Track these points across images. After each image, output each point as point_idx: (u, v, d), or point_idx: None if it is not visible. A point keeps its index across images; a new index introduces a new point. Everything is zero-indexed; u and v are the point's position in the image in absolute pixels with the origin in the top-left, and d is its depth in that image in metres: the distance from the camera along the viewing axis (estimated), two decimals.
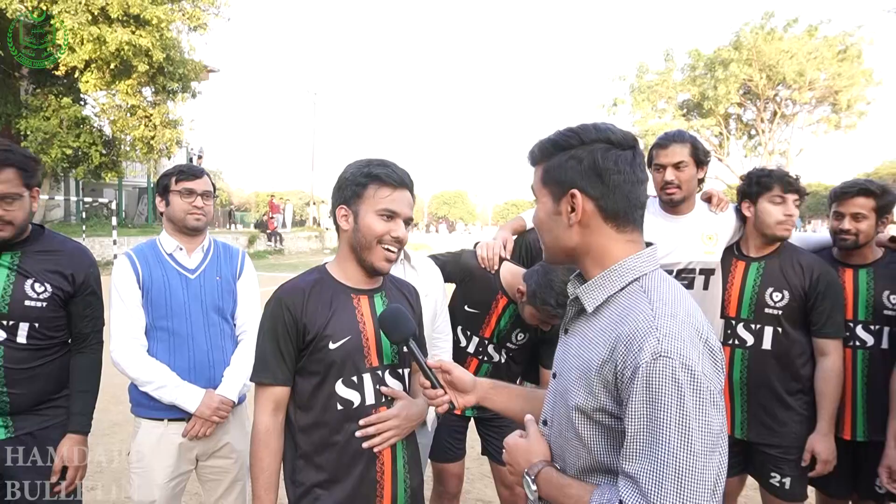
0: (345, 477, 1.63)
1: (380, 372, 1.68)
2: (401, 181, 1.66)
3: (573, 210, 1.17)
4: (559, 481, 1.18)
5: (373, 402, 1.66)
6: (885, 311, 2.42)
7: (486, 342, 2.58)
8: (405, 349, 1.64)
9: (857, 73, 27.19)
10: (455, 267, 2.60)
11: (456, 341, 2.59)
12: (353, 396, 1.64)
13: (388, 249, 1.65)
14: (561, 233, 1.21)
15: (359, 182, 1.65)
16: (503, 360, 2.61)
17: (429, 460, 2.67)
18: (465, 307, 2.57)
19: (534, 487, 1.21)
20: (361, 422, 1.63)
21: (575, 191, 1.16)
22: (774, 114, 29.89)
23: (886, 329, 2.43)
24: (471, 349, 2.59)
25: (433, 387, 1.54)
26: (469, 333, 2.59)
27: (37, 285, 2.07)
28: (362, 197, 1.64)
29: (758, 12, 28.86)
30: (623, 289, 1.17)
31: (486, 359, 2.60)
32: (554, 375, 1.29)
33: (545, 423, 1.30)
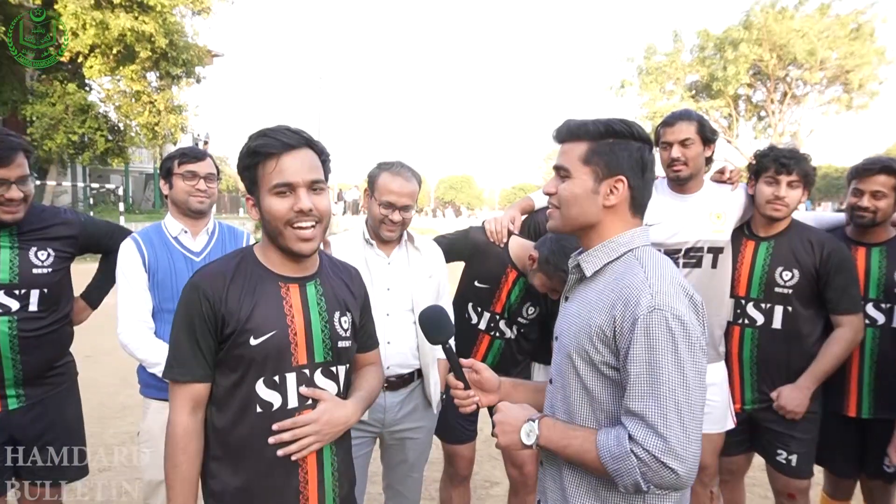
0: (262, 486, 1.47)
1: (307, 371, 1.50)
2: (284, 144, 1.41)
3: (611, 193, 1.31)
4: (563, 425, 1.33)
5: (296, 404, 1.48)
6: None
7: (498, 317, 2.58)
8: (443, 349, 1.55)
9: (869, 52, 26.74)
10: (464, 243, 2.62)
11: (467, 319, 2.60)
12: (274, 398, 1.46)
13: (300, 227, 1.43)
14: (591, 210, 1.33)
15: (247, 165, 1.44)
16: (514, 337, 2.61)
17: (437, 441, 2.68)
18: (476, 283, 2.58)
19: (537, 432, 1.33)
20: (275, 426, 1.45)
21: (623, 177, 1.31)
22: (785, 94, 29.50)
23: None
24: (482, 326, 2.60)
25: (465, 388, 1.53)
26: (480, 310, 2.59)
27: (40, 253, 2.20)
28: (256, 181, 1.44)
29: None
30: (619, 258, 1.33)
31: (497, 335, 2.60)
32: (556, 338, 1.43)
33: (551, 381, 1.45)
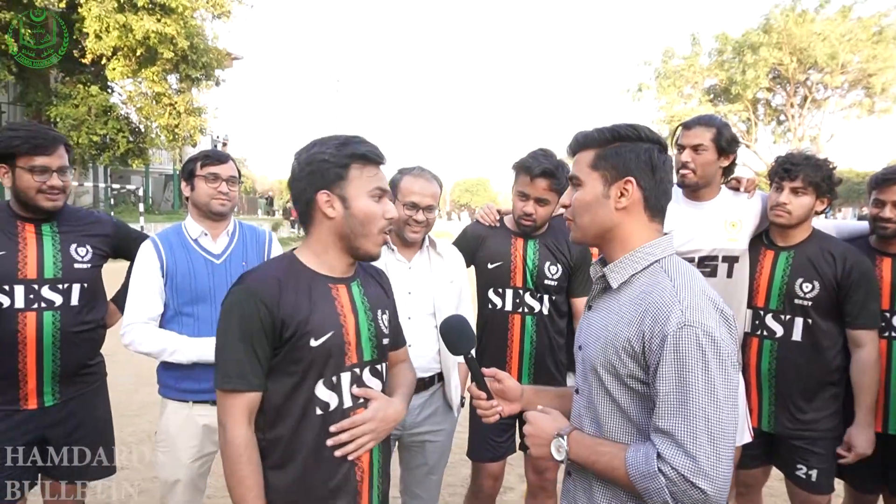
0: (325, 489, 1.49)
1: (357, 370, 1.54)
2: (384, 157, 1.55)
3: (622, 195, 1.31)
4: (591, 440, 1.32)
5: (350, 404, 1.52)
6: None
7: (522, 291, 2.57)
8: (466, 359, 1.55)
9: (892, 56, 26.21)
10: (465, 240, 2.70)
11: (493, 308, 2.60)
12: (332, 399, 1.49)
13: (385, 232, 1.55)
14: (604, 214, 1.33)
15: (341, 164, 1.49)
16: (546, 311, 2.57)
17: (454, 445, 2.67)
18: (488, 265, 2.62)
19: (566, 448, 1.33)
20: (333, 428, 1.48)
21: (631, 178, 1.30)
22: (805, 98, 29.07)
23: None
24: (508, 306, 2.58)
25: (488, 398, 1.53)
26: (501, 290, 2.59)
27: (80, 249, 2.27)
28: (348, 179, 1.49)
29: None
30: (645, 269, 1.31)
31: (526, 310, 2.57)
32: (580, 348, 1.42)
33: (577, 391, 1.44)
